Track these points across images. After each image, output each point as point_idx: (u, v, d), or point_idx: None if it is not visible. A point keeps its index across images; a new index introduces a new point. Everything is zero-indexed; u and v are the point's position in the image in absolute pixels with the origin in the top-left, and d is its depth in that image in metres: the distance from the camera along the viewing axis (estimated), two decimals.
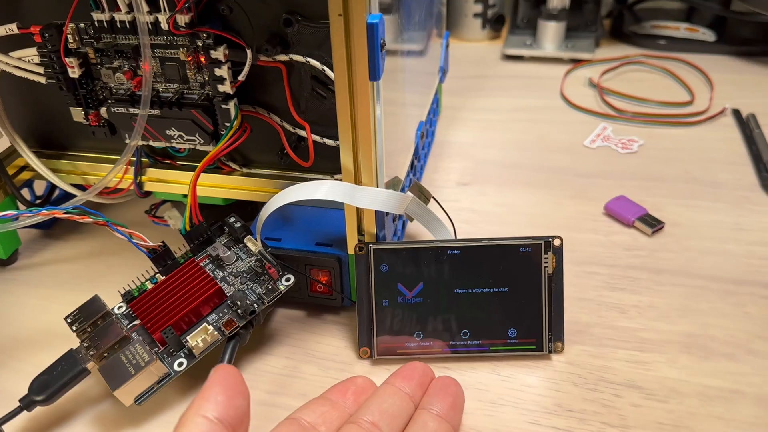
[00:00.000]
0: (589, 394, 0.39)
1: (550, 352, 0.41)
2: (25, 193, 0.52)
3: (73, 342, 0.39)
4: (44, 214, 0.38)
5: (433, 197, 0.48)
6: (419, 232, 0.51)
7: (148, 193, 0.49)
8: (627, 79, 0.75)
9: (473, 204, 0.55)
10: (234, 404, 0.30)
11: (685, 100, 0.70)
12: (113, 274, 0.49)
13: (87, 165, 0.49)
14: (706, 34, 0.81)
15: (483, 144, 0.64)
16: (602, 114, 0.68)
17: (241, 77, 0.42)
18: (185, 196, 0.49)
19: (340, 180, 0.40)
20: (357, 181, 0.40)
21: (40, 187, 0.56)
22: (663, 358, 0.41)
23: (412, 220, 0.50)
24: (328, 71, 0.41)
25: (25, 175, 0.51)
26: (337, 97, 0.37)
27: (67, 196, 0.55)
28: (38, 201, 0.53)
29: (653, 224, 0.51)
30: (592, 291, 0.46)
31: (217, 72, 0.41)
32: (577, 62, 0.78)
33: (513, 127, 0.66)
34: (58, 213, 0.38)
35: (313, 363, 0.42)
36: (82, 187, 0.50)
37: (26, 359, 0.43)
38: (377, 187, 0.40)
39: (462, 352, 0.41)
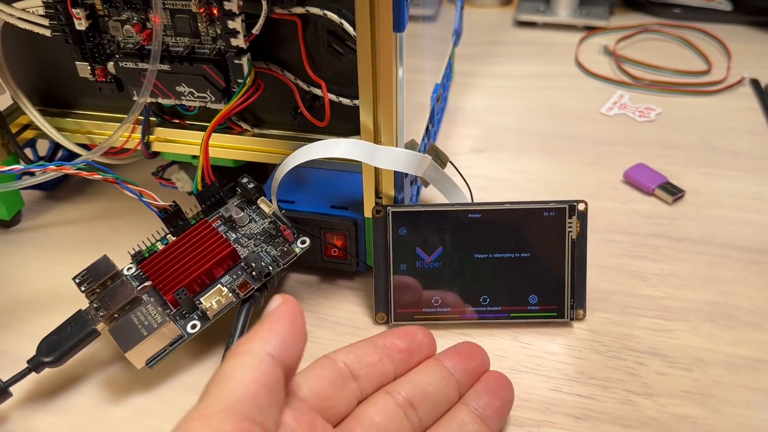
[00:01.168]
0: (612, 361, 0.38)
1: (572, 319, 0.40)
2: (28, 153, 0.51)
3: (80, 303, 0.38)
4: (53, 170, 0.36)
5: (450, 161, 0.47)
6: (433, 197, 0.50)
7: (156, 154, 0.48)
8: (642, 48, 0.73)
9: (488, 170, 0.54)
10: (297, 346, 0.28)
11: (702, 69, 0.68)
12: (120, 237, 0.48)
13: (92, 123, 0.48)
14: (722, 3, 0.79)
15: (496, 110, 0.62)
16: (618, 81, 0.66)
17: (255, 30, 0.40)
18: (194, 157, 0.47)
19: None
20: (376, 141, 0.38)
21: (42, 148, 0.54)
22: (686, 326, 0.40)
23: (427, 185, 0.48)
24: (346, 25, 0.39)
25: (29, 134, 0.49)
26: (358, 50, 0.35)
27: (71, 158, 0.53)
28: (40, 162, 0.52)
29: (673, 192, 0.50)
30: (613, 259, 0.45)
31: (231, 25, 0.39)
32: (590, 30, 0.76)
33: (527, 93, 0.65)
34: (67, 169, 0.36)
35: (328, 328, 0.41)
36: (86, 147, 0.48)
37: (32, 321, 0.42)
38: (396, 147, 0.39)
39: (481, 318, 0.40)
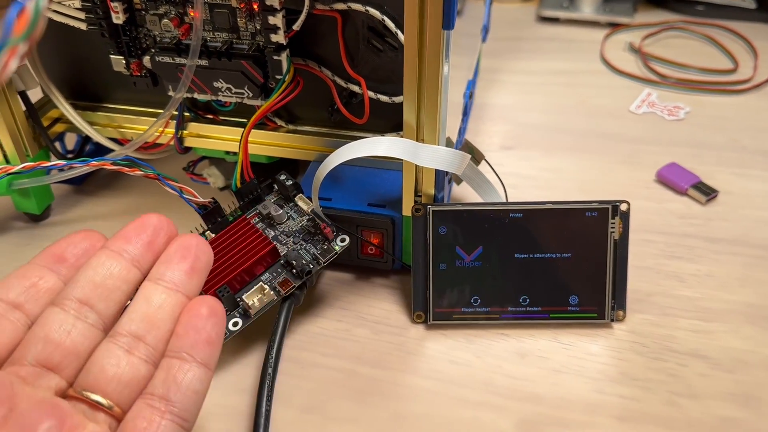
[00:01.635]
0: (654, 363, 0.38)
1: (612, 320, 0.40)
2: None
3: None
4: (95, 165, 0.36)
5: (485, 159, 0.46)
6: (464, 195, 0.49)
7: (188, 149, 0.47)
8: (667, 45, 0.72)
9: (519, 168, 0.53)
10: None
11: (728, 68, 0.67)
12: None
13: (123, 118, 0.47)
14: (747, 1, 0.78)
15: (524, 107, 0.62)
16: (645, 79, 0.66)
17: (296, 26, 0.40)
18: (228, 152, 0.47)
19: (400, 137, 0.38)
20: (419, 139, 0.38)
21: (69, 142, 0.54)
22: (726, 327, 0.40)
23: (459, 183, 0.48)
24: (388, 22, 0.39)
25: (59, 128, 0.49)
26: (405, 48, 0.35)
27: (97, 152, 0.53)
28: (70, 155, 0.51)
29: (707, 192, 0.50)
30: (650, 259, 0.45)
31: (271, 20, 0.39)
32: (614, 26, 0.76)
33: (554, 90, 0.64)
34: (107, 164, 0.36)
35: (366, 326, 0.41)
36: (117, 142, 0.48)
37: None
38: (438, 145, 0.38)
39: (521, 318, 0.40)
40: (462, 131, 0.54)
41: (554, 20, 0.77)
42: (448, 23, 0.33)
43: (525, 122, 0.60)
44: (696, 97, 0.63)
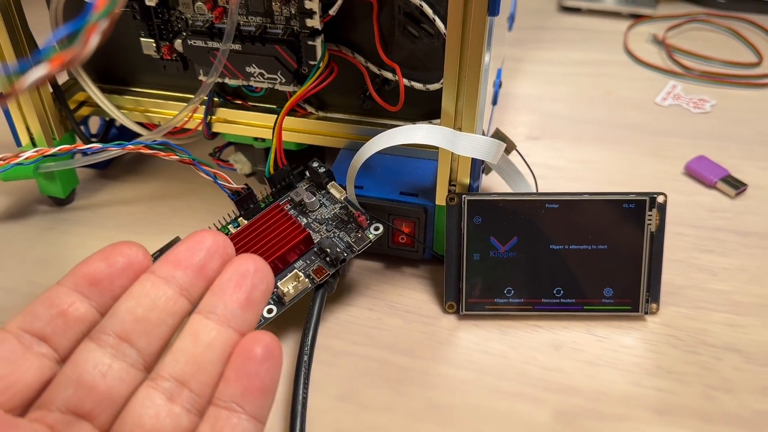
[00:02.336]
0: (688, 356, 0.38)
1: (646, 313, 0.40)
2: None
3: None
4: (130, 149, 0.35)
5: (516, 149, 0.46)
6: (491, 186, 0.49)
7: (215, 135, 0.47)
8: (690, 38, 0.72)
9: (546, 159, 0.53)
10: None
11: (753, 61, 0.67)
12: (178, 218, 0.48)
13: (151, 102, 0.47)
14: None
15: (549, 97, 0.61)
16: (669, 71, 0.65)
17: (332, 11, 0.39)
18: (256, 139, 0.46)
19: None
20: (456, 127, 0.38)
21: (93, 126, 0.53)
22: (760, 322, 0.40)
23: (488, 173, 0.48)
24: (425, 7, 0.38)
25: (84, 111, 0.48)
26: (448, 34, 0.34)
27: (121, 136, 0.52)
28: (93, 139, 0.51)
29: (737, 186, 0.49)
30: (681, 252, 0.44)
31: (307, 5, 0.38)
32: (637, 18, 0.75)
33: (578, 81, 0.64)
34: (144, 149, 0.35)
35: (397, 315, 0.41)
36: (143, 126, 0.47)
37: None
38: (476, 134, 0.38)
39: (554, 310, 0.40)
40: (490, 120, 0.53)
41: (576, 10, 0.77)
42: (493, 8, 0.33)
43: (550, 112, 0.59)
44: (721, 90, 0.63)
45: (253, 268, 0.26)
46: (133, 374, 0.24)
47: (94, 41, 0.15)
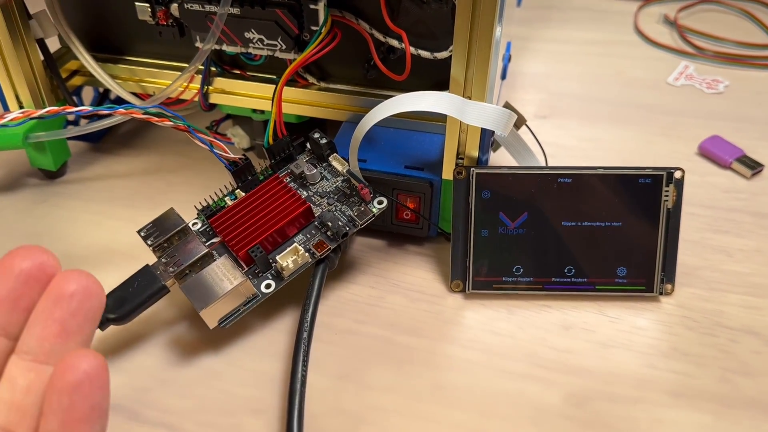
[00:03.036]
0: (705, 338, 0.36)
1: (660, 293, 0.38)
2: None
3: (137, 259, 0.36)
4: (122, 113, 0.34)
5: (526, 124, 0.44)
6: (498, 163, 0.47)
7: (213, 106, 0.45)
8: (702, 19, 0.70)
9: (555, 138, 0.51)
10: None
11: (766, 43, 0.65)
12: (173, 192, 0.46)
13: (145, 71, 0.45)
14: None
15: (558, 76, 0.59)
16: (681, 51, 0.63)
17: None
18: (254, 111, 0.45)
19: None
20: (465, 95, 0.36)
21: (86, 98, 0.52)
22: None
23: (496, 149, 0.46)
24: None
25: (77, 81, 0.47)
26: None
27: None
28: (110, 104, 0.49)
29: (752, 166, 0.48)
30: (696, 233, 0.43)
31: None
32: None
33: (587, 60, 0.62)
34: (137, 113, 0.34)
35: (400, 294, 0.39)
36: (138, 96, 0.45)
37: None
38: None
39: (564, 289, 0.38)
40: (498, 97, 0.51)
41: None
42: None
43: (559, 91, 0.57)
44: (734, 71, 0.61)
45: (71, 289, 0.23)
46: None
47: None
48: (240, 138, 0.47)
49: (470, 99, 0.36)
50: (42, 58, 0.44)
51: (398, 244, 0.42)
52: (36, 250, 0.23)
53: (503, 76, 0.48)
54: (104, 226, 0.43)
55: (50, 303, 0.23)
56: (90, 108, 0.34)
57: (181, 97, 0.44)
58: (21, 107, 0.44)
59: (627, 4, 0.72)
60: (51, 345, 0.23)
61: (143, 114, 0.34)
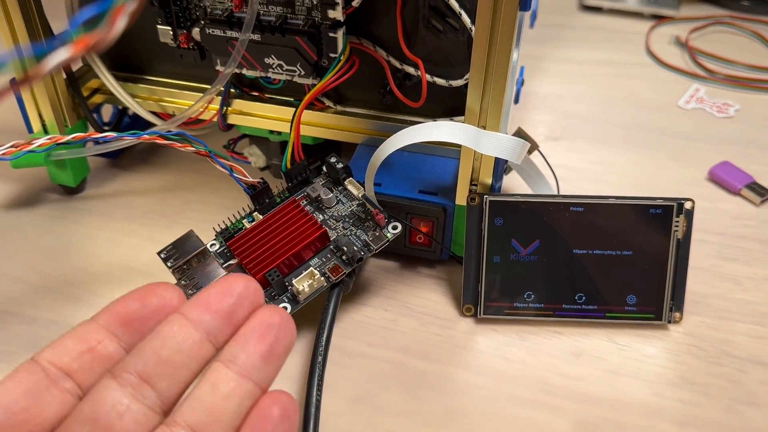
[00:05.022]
0: (712, 368, 0.37)
1: (669, 321, 0.39)
2: None
3: (154, 278, 0.35)
4: (146, 139, 0.34)
5: (539, 149, 0.45)
6: (511, 187, 0.48)
7: (230, 127, 0.46)
8: (713, 40, 0.70)
9: (567, 160, 0.52)
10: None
11: None
12: (190, 210, 0.47)
13: (165, 91, 0.46)
14: None
15: (569, 97, 0.60)
16: (692, 74, 0.64)
17: (355, 3, 0.38)
18: (272, 132, 0.45)
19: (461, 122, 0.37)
20: (480, 125, 0.37)
21: (106, 114, 0.52)
22: None
23: (508, 173, 0.47)
24: (452, 1, 0.37)
25: (98, 99, 0.47)
26: (476, 29, 0.33)
27: (133, 125, 0.51)
28: (106, 128, 0.50)
29: (762, 193, 0.48)
30: (705, 260, 0.43)
31: None
32: (659, 18, 0.73)
33: (599, 81, 0.63)
34: (160, 139, 0.34)
35: (413, 317, 0.40)
36: (157, 115, 0.46)
37: (104, 294, 0.41)
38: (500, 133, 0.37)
39: (575, 316, 0.39)
40: (509, 120, 0.52)
41: (597, 9, 0.75)
42: (525, 3, 0.32)
43: (571, 113, 0.58)
44: (745, 95, 0.61)
45: (278, 320, 0.26)
46: (150, 417, 0.24)
47: (120, 24, 0.14)
48: (257, 157, 0.48)
49: (485, 128, 0.36)
50: (64, 76, 0.45)
51: (411, 267, 0.43)
52: (250, 279, 0.26)
53: (516, 101, 0.49)
54: (123, 244, 0.44)
55: (262, 326, 0.25)
56: (114, 134, 0.35)
57: (200, 117, 0.45)
58: (43, 125, 0.44)
59: (639, 24, 0.73)
60: (256, 363, 0.25)
61: (166, 140, 0.34)
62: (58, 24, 0.43)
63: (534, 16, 0.60)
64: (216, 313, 0.25)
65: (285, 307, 0.35)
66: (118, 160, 0.51)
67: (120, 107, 0.52)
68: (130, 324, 0.25)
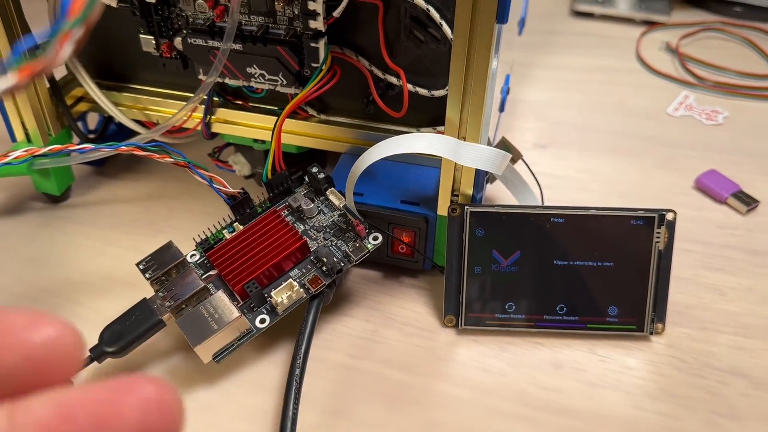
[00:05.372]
0: (693, 380, 0.37)
1: (651, 333, 0.38)
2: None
3: (137, 289, 0.37)
4: (123, 150, 0.34)
5: (523, 158, 0.45)
6: (495, 196, 0.48)
7: (214, 135, 0.46)
8: (704, 46, 0.70)
9: (553, 168, 0.52)
10: None
11: (766, 73, 0.65)
12: (175, 219, 0.47)
13: (149, 100, 0.46)
14: None
15: (558, 104, 0.60)
16: (682, 81, 0.64)
17: (336, 13, 0.38)
18: (256, 140, 0.45)
19: (441, 133, 0.37)
20: (460, 136, 0.36)
21: (92, 122, 0.52)
22: None
23: (492, 181, 0.47)
24: (432, 12, 0.37)
25: (82, 107, 0.47)
26: (454, 40, 0.33)
27: (119, 132, 0.51)
28: (91, 135, 0.50)
29: (748, 202, 0.48)
30: (689, 270, 0.43)
31: (311, 6, 0.37)
32: (650, 24, 0.73)
33: (588, 88, 0.62)
34: (138, 150, 0.34)
35: (394, 328, 0.39)
36: (142, 124, 0.46)
37: (85, 304, 0.41)
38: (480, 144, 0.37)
39: (556, 327, 0.38)
40: (497, 127, 0.52)
41: (588, 15, 0.75)
42: (502, 16, 0.32)
43: (559, 120, 0.58)
44: (735, 102, 0.61)
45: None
46: None
47: (67, 50, 0.14)
48: (241, 165, 0.48)
49: (465, 139, 0.36)
50: (48, 85, 0.45)
51: (393, 276, 0.43)
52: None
53: (501, 109, 0.49)
54: (106, 253, 0.44)
55: None
56: (93, 146, 0.35)
57: (184, 125, 0.45)
58: (27, 134, 0.44)
59: (630, 30, 0.72)
60: None
61: (144, 151, 0.34)
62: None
63: (522, 23, 0.60)
64: None
65: (263, 319, 0.35)
66: (103, 167, 0.51)
67: (105, 115, 0.52)
68: None
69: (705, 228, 0.47)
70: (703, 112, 0.59)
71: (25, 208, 0.47)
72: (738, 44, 0.71)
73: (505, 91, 0.49)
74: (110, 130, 0.52)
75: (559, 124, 0.57)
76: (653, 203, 0.39)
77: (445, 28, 0.37)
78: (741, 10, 0.76)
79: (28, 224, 0.46)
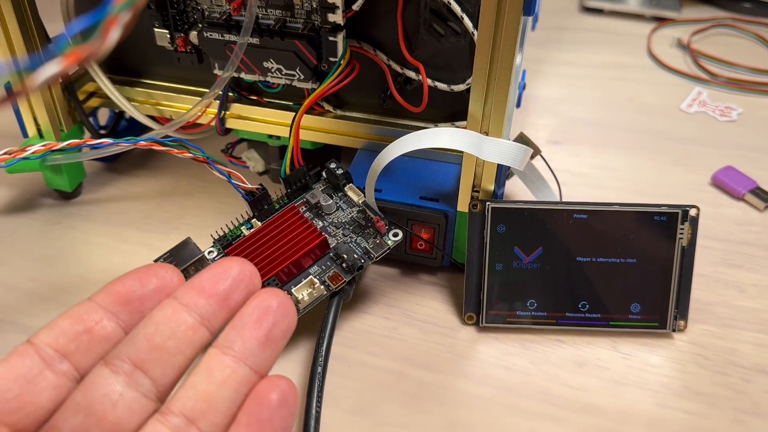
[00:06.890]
0: (717, 377, 0.36)
1: (673, 330, 0.38)
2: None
3: None
4: (143, 145, 0.34)
5: (541, 154, 0.44)
6: (512, 192, 0.47)
7: (228, 131, 0.45)
8: (715, 43, 0.70)
9: (568, 165, 0.51)
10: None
11: None
12: (188, 216, 0.46)
13: (162, 95, 0.45)
14: None
15: (571, 100, 0.60)
16: (694, 77, 0.63)
17: (356, 6, 0.37)
18: (270, 136, 0.45)
19: (464, 128, 0.36)
20: (482, 131, 0.36)
21: (102, 118, 0.52)
22: None
23: (509, 177, 0.46)
24: (453, 5, 0.37)
25: (94, 102, 0.47)
26: (479, 33, 0.33)
27: (130, 128, 0.51)
28: (102, 131, 0.49)
29: (766, 198, 0.48)
30: (709, 267, 0.43)
31: None
32: (661, 21, 0.73)
33: (601, 84, 0.62)
34: (156, 145, 0.34)
35: (414, 325, 0.39)
36: (154, 119, 0.46)
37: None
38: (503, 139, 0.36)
39: (578, 324, 0.38)
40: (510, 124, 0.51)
41: (598, 11, 0.75)
42: (529, 8, 0.31)
43: (572, 116, 0.57)
44: (748, 98, 0.61)
45: (276, 304, 0.25)
46: (144, 405, 0.23)
47: (114, 36, 0.13)
48: (255, 162, 0.47)
49: (487, 134, 0.36)
50: (60, 80, 0.44)
51: (412, 273, 0.42)
52: (245, 262, 0.26)
53: (518, 105, 0.49)
54: (119, 250, 0.44)
55: (259, 311, 0.25)
56: (110, 140, 0.35)
57: (198, 121, 0.44)
58: (38, 129, 0.44)
59: (640, 26, 0.72)
60: (253, 348, 0.24)
61: (163, 146, 0.34)
62: (55, 27, 0.43)
63: (536, 19, 0.59)
64: (210, 297, 0.24)
65: None
66: (115, 164, 0.51)
67: (116, 111, 0.51)
68: (129, 303, 0.25)
69: (723, 225, 0.46)
70: (716, 109, 0.59)
71: (36, 205, 0.47)
72: (749, 41, 0.71)
73: (522, 87, 0.48)
74: (121, 127, 0.51)
75: (573, 121, 0.57)
76: (670, 200, 0.38)
77: (466, 21, 0.37)
78: (751, 6, 0.76)
79: (39, 221, 0.46)
